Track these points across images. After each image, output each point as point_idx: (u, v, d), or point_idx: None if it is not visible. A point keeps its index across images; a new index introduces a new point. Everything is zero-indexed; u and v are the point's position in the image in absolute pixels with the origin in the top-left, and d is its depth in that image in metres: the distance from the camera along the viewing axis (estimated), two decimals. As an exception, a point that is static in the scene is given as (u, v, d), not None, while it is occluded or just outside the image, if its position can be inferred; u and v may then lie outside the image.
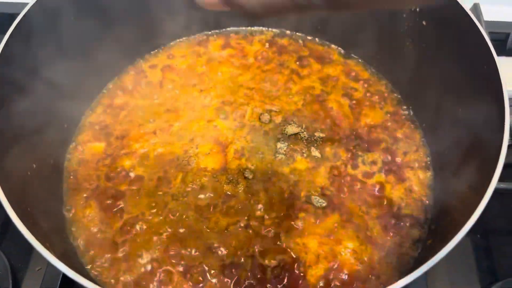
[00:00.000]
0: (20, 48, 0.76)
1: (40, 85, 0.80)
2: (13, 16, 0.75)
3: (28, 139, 0.75)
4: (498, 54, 0.70)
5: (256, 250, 0.77)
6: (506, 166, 0.94)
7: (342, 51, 1.05)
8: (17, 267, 0.86)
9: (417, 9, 0.85)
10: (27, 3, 0.78)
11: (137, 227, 0.80)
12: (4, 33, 0.73)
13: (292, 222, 0.80)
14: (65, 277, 0.79)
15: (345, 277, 0.74)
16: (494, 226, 0.94)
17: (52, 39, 0.82)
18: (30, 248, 0.87)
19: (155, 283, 0.74)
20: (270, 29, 1.09)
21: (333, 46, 1.06)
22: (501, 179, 0.78)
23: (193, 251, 0.77)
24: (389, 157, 0.88)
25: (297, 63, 1.03)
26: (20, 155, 0.72)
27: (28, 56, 0.78)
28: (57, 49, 0.84)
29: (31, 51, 0.78)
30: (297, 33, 1.09)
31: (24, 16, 0.76)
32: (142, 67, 1.04)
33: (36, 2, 0.78)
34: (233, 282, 0.74)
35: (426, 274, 0.78)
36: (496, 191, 0.79)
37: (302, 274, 0.75)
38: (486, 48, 0.71)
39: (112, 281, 0.74)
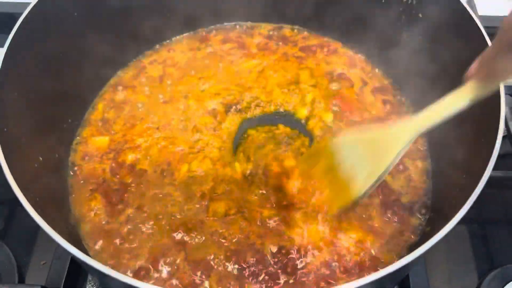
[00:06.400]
0: (24, 46, 0.77)
1: (43, 81, 0.82)
2: (14, 16, 0.75)
3: (33, 132, 0.76)
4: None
5: (258, 237, 0.78)
6: (503, 155, 0.97)
7: (341, 44, 1.07)
8: (21, 261, 0.87)
9: (414, 2, 0.87)
10: (29, 3, 0.78)
11: (142, 218, 0.81)
12: (8, 33, 0.74)
13: (294, 210, 0.81)
14: (71, 269, 0.80)
15: (345, 264, 0.76)
16: (491, 215, 0.96)
17: (54, 36, 0.83)
18: (35, 242, 0.89)
19: (161, 271, 0.75)
20: (270, 23, 1.11)
21: (331, 38, 1.08)
22: (498, 168, 0.80)
23: (196, 239, 0.78)
24: (389, 148, 0.89)
25: (297, 55, 1.05)
26: (26, 148, 0.73)
27: (30, 53, 0.79)
28: (59, 46, 0.85)
29: (34, 49, 0.79)
30: (296, 27, 1.11)
31: (26, 15, 0.77)
32: (142, 62, 1.05)
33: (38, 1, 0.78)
34: (236, 268, 0.75)
35: (425, 262, 0.81)
36: (493, 180, 0.81)
37: (303, 260, 0.76)
38: (482, 39, 0.73)
39: (119, 269, 0.75)
